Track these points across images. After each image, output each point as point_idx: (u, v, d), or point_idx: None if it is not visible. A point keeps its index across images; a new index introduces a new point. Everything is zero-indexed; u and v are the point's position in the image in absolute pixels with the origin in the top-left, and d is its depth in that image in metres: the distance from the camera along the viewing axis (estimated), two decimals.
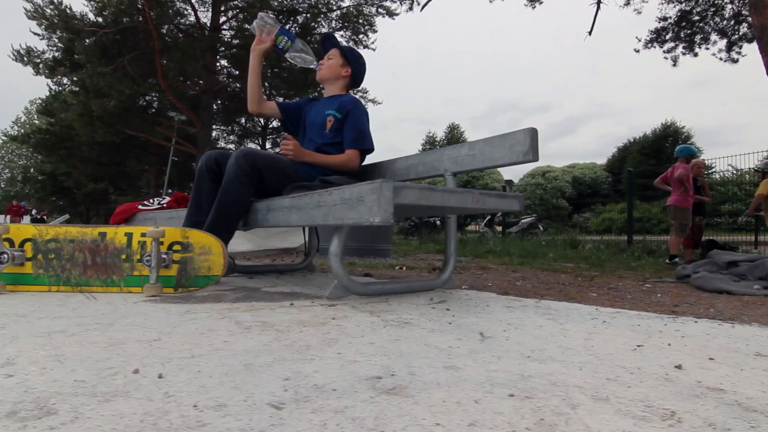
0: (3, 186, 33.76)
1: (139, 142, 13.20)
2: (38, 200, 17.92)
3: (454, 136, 29.84)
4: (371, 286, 1.61)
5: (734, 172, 12.27)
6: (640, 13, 6.35)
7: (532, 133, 1.57)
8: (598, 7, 5.99)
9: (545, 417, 0.57)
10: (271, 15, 2.14)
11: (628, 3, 6.36)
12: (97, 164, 13.84)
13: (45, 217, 17.78)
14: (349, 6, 10.66)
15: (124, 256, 1.61)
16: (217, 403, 0.59)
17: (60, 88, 12.22)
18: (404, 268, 3.79)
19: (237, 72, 11.65)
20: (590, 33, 6.41)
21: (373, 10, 10.70)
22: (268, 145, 15.29)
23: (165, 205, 2.99)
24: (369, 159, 2.26)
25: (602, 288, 2.42)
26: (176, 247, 1.63)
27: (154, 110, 12.92)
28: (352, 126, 2.09)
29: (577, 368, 0.79)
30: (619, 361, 0.85)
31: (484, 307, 1.43)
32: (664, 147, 22.79)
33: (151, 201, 3.08)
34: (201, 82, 10.58)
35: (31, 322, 1.08)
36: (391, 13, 10.46)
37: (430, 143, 30.18)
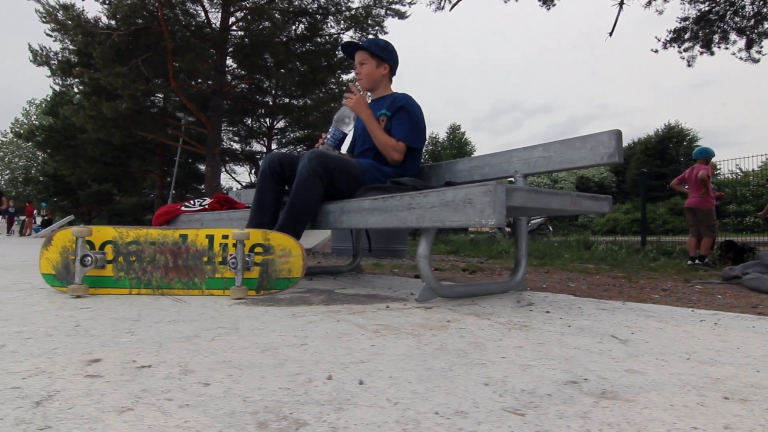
0: (4, 187, 33.48)
1: (143, 143, 13.13)
2: (40, 201, 17.78)
3: (456, 137, 29.97)
4: (455, 289, 1.60)
5: (739, 173, 12.39)
6: (661, 13, 6.38)
7: (617, 135, 1.57)
8: (621, 8, 6.02)
9: None
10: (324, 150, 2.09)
11: (650, 3, 6.39)
12: (102, 164, 13.76)
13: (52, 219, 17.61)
14: (359, 8, 10.67)
15: (205, 258, 1.60)
16: (453, 410, 0.58)
17: (65, 88, 12.13)
18: (434, 269, 3.79)
19: (244, 72, 11.63)
20: (611, 34, 6.44)
21: (383, 12, 10.72)
22: (273, 146, 15.25)
23: (207, 207, 2.97)
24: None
25: (655, 289, 2.42)
26: (258, 249, 1.61)
27: (158, 110, 12.86)
28: (407, 119, 2.05)
29: (753, 370, 0.79)
30: None
31: (578, 310, 1.42)
32: (668, 148, 22.97)
33: (193, 202, 3.05)
34: (210, 82, 10.54)
35: (153, 327, 1.06)
36: (401, 15, 10.47)
37: (432, 144, 30.35)
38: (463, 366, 0.78)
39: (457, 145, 29.47)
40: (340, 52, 2.39)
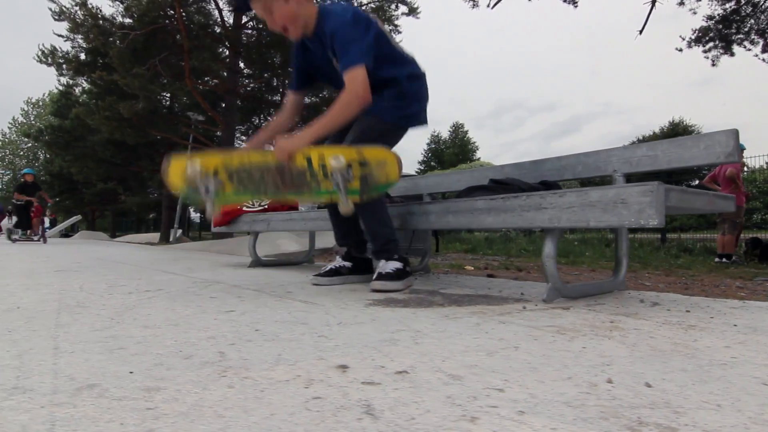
0: (3, 187, 33.01)
1: (153, 143, 13.02)
2: (46, 201, 17.57)
3: (458, 135, 30.10)
4: (576, 289, 1.61)
5: (746, 169, 12.52)
6: (695, 13, 6.45)
7: (735, 135, 1.57)
8: (653, 6, 6.05)
9: None
10: None
11: (683, 3, 6.43)
12: (111, 164, 13.64)
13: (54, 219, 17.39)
14: (369, 3, 10.63)
15: (308, 175, 1.66)
16: None
17: (71, 88, 12.01)
18: (473, 268, 3.79)
19: (251, 71, 11.56)
20: (641, 32, 6.48)
21: (393, 7, 10.69)
22: None
23: (267, 207, 2.96)
24: (516, 160, 2.25)
25: (730, 288, 2.45)
26: (355, 166, 1.62)
27: (166, 110, 12.76)
28: (339, 44, 1.64)
29: None
30: None
31: (712, 309, 1.43)
32: None
33: (251, 202, 3.04)
34: (216, 81, 10.47)
35: (333, 331, 1.05)
36: (412, 10, 10.45)
37: (435, 142, 30.52)
38: (711, 366, 0.78)
39: (459, 143, 29.64)
40: (237, 10, 2.01)
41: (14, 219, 8.59)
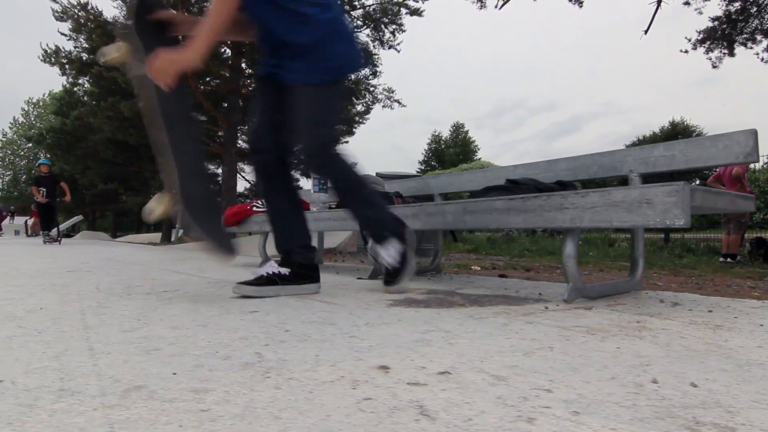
0: (4, 188, 32.94)
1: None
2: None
3: (459, 135, 30.13)
4: (596, 289, 1.61)
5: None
6: (701, 13, 6.47)
7: (754, 134, 1.57)
8: (659, 5, 6.05)
9: None
10: None
11: (688, 3, 6.45)
12: (112, 164, 13.62)
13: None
14: (373, 4, 10.63)
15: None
16: None
17: (75, 88, 12.00)
18: (480, 268, 3.79)
19: (252, 71, 11.54)
20: (646, 32, 6.50)
21: (396, 9, 10.68)
22: None
23: None
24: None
25: (741, 288, 2.45)
26: None
27: None
28: None
29: None
30: None
31: (732, 309, 1.43)
32: None
33: (261, 202, 3.04)
34: (220, 81, 10.45)
35: (363, 331, 1.05)
36: (417, 12, 10.44)
37: (436, 142, 30.54)
38: (750, 366, 0.78)
39: (460, 143, 29.69)
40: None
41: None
